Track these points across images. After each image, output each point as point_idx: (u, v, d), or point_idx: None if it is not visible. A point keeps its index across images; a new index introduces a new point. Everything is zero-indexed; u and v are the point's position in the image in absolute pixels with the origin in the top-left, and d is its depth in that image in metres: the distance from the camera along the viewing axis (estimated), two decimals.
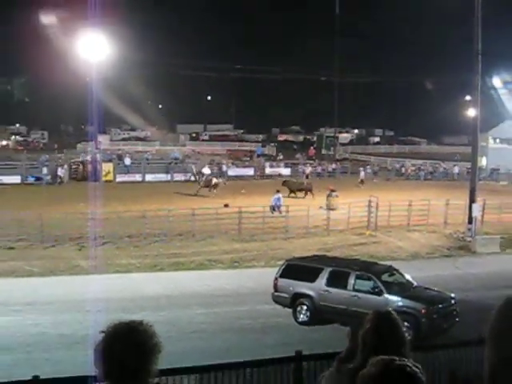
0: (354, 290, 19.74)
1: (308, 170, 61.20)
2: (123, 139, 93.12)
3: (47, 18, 61.90)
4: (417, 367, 2.60)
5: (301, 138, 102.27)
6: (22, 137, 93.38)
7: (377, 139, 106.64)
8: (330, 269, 20.56)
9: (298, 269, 21.08)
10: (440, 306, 19.20)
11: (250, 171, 61.98)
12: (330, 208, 37.31)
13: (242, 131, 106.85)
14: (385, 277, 20.22)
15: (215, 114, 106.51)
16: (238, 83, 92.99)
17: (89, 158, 55.38)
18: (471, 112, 38.40)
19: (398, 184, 55.10)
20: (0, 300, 21.23)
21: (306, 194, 44.89)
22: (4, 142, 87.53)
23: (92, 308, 17.05)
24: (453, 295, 19.84)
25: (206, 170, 49.45)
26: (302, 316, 20.53)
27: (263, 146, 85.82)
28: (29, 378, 9.13)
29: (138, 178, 55.66)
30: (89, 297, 19.31)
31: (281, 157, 72.03)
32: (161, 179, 55.03)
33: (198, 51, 79.97)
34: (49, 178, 52.02)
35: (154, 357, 3.32)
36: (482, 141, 44.04)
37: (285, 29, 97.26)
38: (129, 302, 20.78)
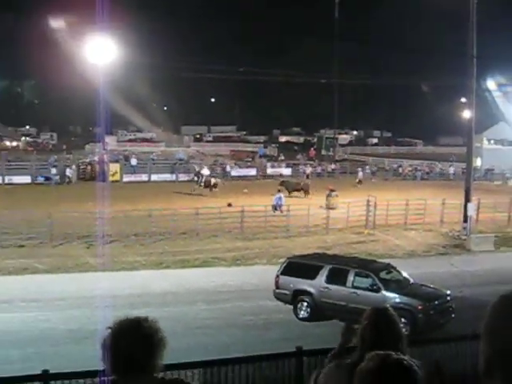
0: (353, 287, 19.75)
1: (308, 170, 61.25)
2: (130, 140, 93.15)
3: (56, 23, 61.94)
4: (413, 362, 2.61)
5: (301, 139, 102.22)
6: (32, 138, 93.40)
7: (375, 140, 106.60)
8: (329, 266, 20.56)
9: (299, 266, 21.08)
10: (436, 302, 19.21)
11: (253, 171, 62.01)
12: (329, 207, 37.32)
13: (244, 133, 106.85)
14: (383, 274, 20.23)
15: (219, 115, 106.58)
16: (241, 86, 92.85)
17: (96, 158, 55.43)
18: (466, 114, 38.37)
19: (395, 184, 55.04)
20: (11, 296, 21.29)
21: (305, 193, 44.85)
22: (14, 143, 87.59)
23: (100, 304, 17.06)
24: (448, 292, 19.86)
25: (205, 171, 49.44)
26: (302, 312, 20.54)
27: (265, 147, 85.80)
28: (39, 372, 9.17)
29: (144, 177, 55.71)
30: (97, 293, 19.33)
31: (282, 157, 72.04)
32: (166, 179, 55.03)
33: (202, 55, 79.91)
34: (58, 178, 52.04)
35: (160, 352, 3.33)
36: (476, 142, 44.01)
37: (286, 33, 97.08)
38: (135, 298, 20.79)
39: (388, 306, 4.78)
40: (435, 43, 78.36)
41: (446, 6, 42.36)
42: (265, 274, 23.22)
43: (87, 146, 76.45)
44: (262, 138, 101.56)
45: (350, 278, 19.94)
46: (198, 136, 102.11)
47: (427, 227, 34.77)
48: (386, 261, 22.98)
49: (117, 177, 53.54)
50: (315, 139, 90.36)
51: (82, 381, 7.77)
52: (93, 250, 27.71)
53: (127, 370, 3.26)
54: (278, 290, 21.06)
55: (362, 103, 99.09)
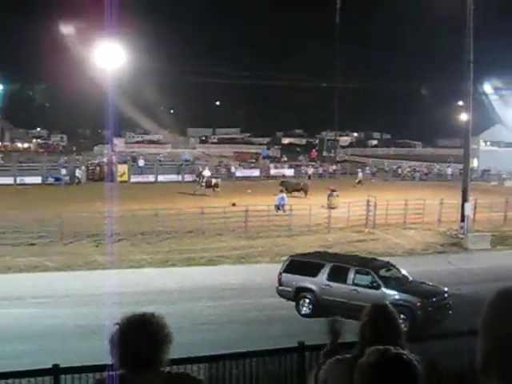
0: (354, 284, 19.75)
1: (310, 171, 61.25)
2: (137, 142, 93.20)
3: (66, 29, 62.00)
4: (412, 356, 2.61)
5: (303, 141, 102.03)
6: (43, 140, 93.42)
7: (375, 142, 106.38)
8: (330, 264, 20.57)
9: (301, 264, 21.09)
10: (434, 299, 19.20)
11: (256, 172, 61.98)
12: (330, 207, 37.30)
13: (248, 134, 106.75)
14: (382, 272, 20.22)
15: (223, 118, 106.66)
16: (245, 90, 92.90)
17: (105, 159, 55.45)
18: (463, 116, 38.31)
19: (394, 184, 54.98)
20: (21, 293, 21.34)
21: (305, 193, 44.82)
22: (26, 145, 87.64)
23: (108, 301, 17.06)
24: (446, 289, 19.85)
25: (206, 173, 49.64)
26: (304, 309, 20.55)
27: (268, 149, 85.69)
28: (49, 366, 9.18)
29: (151, 178, 55.72)
30: (105, 290, 19.33)
31: (285, 159, 71.96)
32: (172, 180, 55.05)
33: (206, 59, 79.95)
34: (67, 178, 52.11)
35: (166, 347, 3.33)
36: (473, 143, 43.95)
37: (289, 37, 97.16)
38: (142, 295, 20.79)
39: (387, 302, 4.78)
40: (435, 48, 78.33)
41: (444, 12, 42.27)
42: (268, 271, 23.23)
43: (96, 148, 76.52)
44: (265, 140, 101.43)
45: (351, 275, 19.94)
46: (203, 138, 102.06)
47: (426, 226, 34.74)
48: (386, 259, 22.95)
49: (125, 177, 53.56)
50: (317, 141, 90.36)
51: (91, 375, 7.76)
52: (101, 248, 27.74)
53: (135, 365, 3.27)
54: (280, 287, 21.07)
55: (363, 106, 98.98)
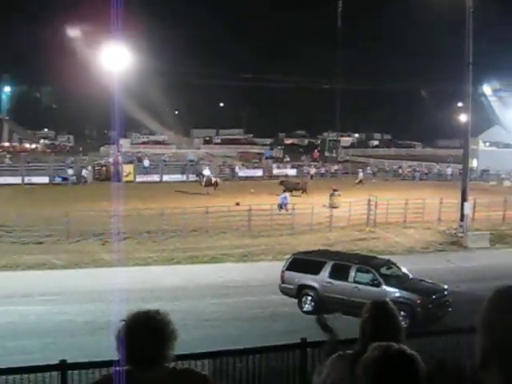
0: (355, 281, 19.75)
1: (312, 170, 61.25)
2: (143, 142, 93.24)
3: (73, 33, 62.14)
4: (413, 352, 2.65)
5: (306, 141, 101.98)
6: (50, 140, 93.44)
7: (376, 142, 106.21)
8: (332, 262, 20.56)
9: (303, 262, 21.09)
10: (434, 296, 19.20)
11: (259, 172, 61.98)
12: (332, 206, 37.29)
13: (251, 135, 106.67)
14: (383, 270, 20.22)
15: (227, 119, 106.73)
16: (248, 92, 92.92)
17: (111, 160, 55.45)
18: (463, 117, 38.25)
19: (395, 184, 54.93)
20: (30, 290, 21.38)
21: (302, 192, 44.82)
22: (33, 146, 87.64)
23: (114, 298, 17.08)
24: (446, 287, 19.84)
25: (206, 172, 50.13)
26: (306, 306, 20.55)
27: (271, 149, 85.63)
28: (56, 362, 9.18)
29: (156, 178, 55.73)
30: (112, 287, 19.31)
31: (287, 159, 71.91)
32: (177, 179, 55.08)
33: (210, 62, 79.99)
34: (74, 178, 52.18)
35: (171, 343, 3.34)
36: (472, 144, 43.91)
37: (292, 40, 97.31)
38: (148, 292, 20.82)
39: (388, 299, 4.78)
40: (435, 50, 78.43)
41: (445, 15, 42.29)
42: (271, 269, 23.23)
43: (102, 148, 76.51)
44: (268, 141, 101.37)
45: (352, 273, 19.94)
46: (207, 138, 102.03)
47: (425, 225, 34.70)
48: (386, 257, 22.96)
49: (130, 177, 53.62)
50: (319, 141, 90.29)
51: (97, 370, 7.77)
52: (108, 246, 27.78)
53: (140, 361, 3.27)
54: (283, 285, 21.08)
55: (364, 107, 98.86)
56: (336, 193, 39.71)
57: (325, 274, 20.34)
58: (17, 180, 50.47)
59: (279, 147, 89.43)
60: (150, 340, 3.26)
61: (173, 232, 31.07)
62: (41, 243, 28.65)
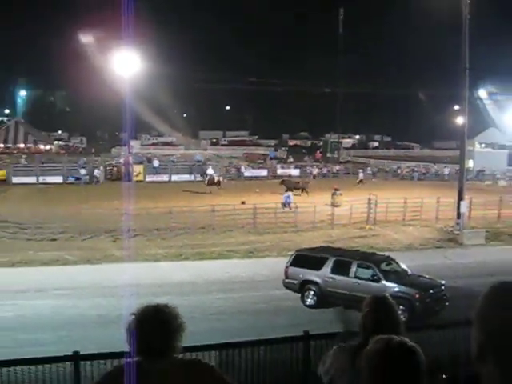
0: (356, 277, 19.74)
1: (315, 171, 61.26)
2: (152, 144, 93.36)
3: (86, 39, 62.21)
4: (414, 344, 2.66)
5: (308, 142, 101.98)
6: (64, 142, 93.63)
7: (376, 144, 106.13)
8: (334, 258, 20.56)
9: (306, 258, 21.09)
10: (432, 291, 19.17)
11: (264, 172, 62.02)
12: (334, 205, 37.27)
13: (256, 137, 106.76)
14: (383, 266, 20.19)
15: (233, 122, 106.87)
16: (253, 95, 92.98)
17: (122, 160, 55.57)
18: (460, 120, 38.16)
19: (394, 184, 54.83)
20: (44, 285, 21.41)
21: (302, 191, 44.76)
22: (48, 147, 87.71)
23: (125, 292, 17.10)
24: (443, 282, 19.80)
25: (210, 171, 50.40)
26: (309, 300, 20.55)
27: (275, 150, 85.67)
28: (69, 353, 9.20)
29: (165, 178, 55.74)
30: (122, 282, 19.34)
31: (291, 159, 71.90)
32: (185, 179, 55.12)
33: (217, 66, 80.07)
34: (87, 178, 52.26)
35: (179, 335, 3.34)
36: (469, 145, 43.87)
37: (295, 45, 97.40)
38: (157, 287, 20.81)
39: (387, 294, 4.77)
40: (433, 55, 78.37)
41: (442, 22, 42.25)
42: (275, 265, 23.22)
43: (114, 150, 76.65)
44: (272, 142, 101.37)
45: (353, 269, 19.93)
46: (214, 140, 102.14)
47: (423, 223, 34.64)
48: (386, 253, 22.89)
49: (140, 177, 53.72)
50: (321, 143, 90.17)
51: (109, 361, 7.78)
52: (118, 243, 27.82)
53: (150, 352, 3.28)
54: (287, 280, 21.08)
55: (364, 110, 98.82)
56: (338, 192, 39.68)
57: (327, 269, 20.34)
58: (32, 180, 50.60)
59: (283, 148, 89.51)
60: (158, 332, 3.27)
61: (181, 229, 31.07)
62: (54, 240, 28.70)
